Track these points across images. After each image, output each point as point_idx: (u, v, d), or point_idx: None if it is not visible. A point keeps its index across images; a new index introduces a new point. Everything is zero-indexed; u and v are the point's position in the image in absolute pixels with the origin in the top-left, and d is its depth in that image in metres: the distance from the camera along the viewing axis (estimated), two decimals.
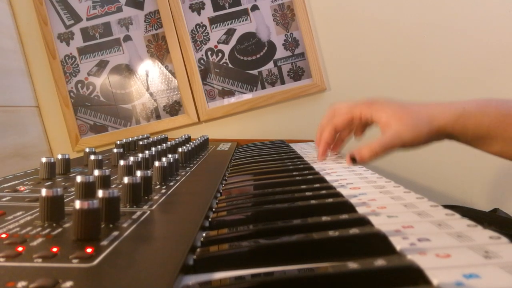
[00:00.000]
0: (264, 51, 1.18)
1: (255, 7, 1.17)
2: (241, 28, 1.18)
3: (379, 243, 0.26)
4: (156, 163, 0.49)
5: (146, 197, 0.41)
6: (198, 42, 1.18)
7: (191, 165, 0.64)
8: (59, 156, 0.56)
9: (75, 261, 0.24)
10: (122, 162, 0.49)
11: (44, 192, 0.31)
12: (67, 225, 0.31)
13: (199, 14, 1.18)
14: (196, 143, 0.77)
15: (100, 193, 0.31)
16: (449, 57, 1.15)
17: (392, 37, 1.16)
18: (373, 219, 0.31)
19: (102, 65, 1.19)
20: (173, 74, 1.19)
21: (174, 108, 1.20)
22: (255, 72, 1.18)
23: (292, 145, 0.94)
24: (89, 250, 0.25)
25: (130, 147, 0.84)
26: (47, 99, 1.19)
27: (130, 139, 0.86)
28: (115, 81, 1.20)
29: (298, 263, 0.26)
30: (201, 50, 1.18)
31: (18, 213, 0.35)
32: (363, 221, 0.31)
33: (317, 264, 0.25)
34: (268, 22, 1.17)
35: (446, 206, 0.34)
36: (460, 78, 1.15)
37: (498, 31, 1.14)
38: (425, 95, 1.15)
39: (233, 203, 0.41)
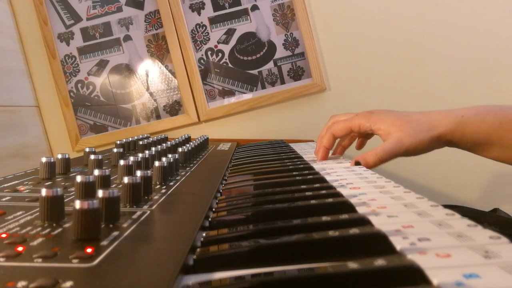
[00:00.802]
0: (264, 51, 1.18)
1: (255, 7, 1.17)
2: (241, 28, 1.18)
3: (379, 243, 0.26)
4: (156, 163, 0.49)
5: (146, 197, 0.41)
6: (198, 42, 1.18)
7: (191, 165, 0.64)
8: (59, 156, 0.56)
9: (75, 261, 0.24)
10: (122, 162, 0.49)
11: (44, 192, 0.31)
12: (67, 225, 0.31)
13: (199, 14, 1.18)
14: (196, 143, 0.77)
15: (100, 193, 0.31)
16: (449, 57, 1.15)
17: (392, 37, 1.16)
18: (373, 219, 0.31)
19: (102, 65, 1.19)
20: (173, 74, 1.19)
21: (174, 108, 1.20)
22: (255, 72, 1.18)
23: (292, 145, 0.94)
24: (89, 250, 0.25)
25: (130, 147, 0.84)
26: (47, 99, 1.19)
27: (130, 139, 0.86)
28: (115, 81, 1.20)
29: (298, 263, 0.26)
30: (201, 50, 1.18)
31: (18, 213, 0.35)
32: (363, 221, 0.31)
33: (317, 264, 0.25)
34: (268, 22, 1.17)
35: (446, 206, 0.33)
36: (460, 78, 1.15)
37: (498, 31, 1.14)
38: (425, 95, 1.15)
39: (233, 203, 0.41)
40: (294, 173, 0.54)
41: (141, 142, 0.78)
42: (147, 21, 1.18)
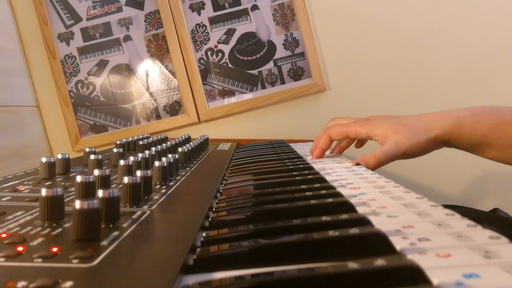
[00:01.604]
0: (264, 51, 1.18)
1: (255, 7, 1.17)
2: (241, 28, 1.18)
3: (379, 243, 0.26)
4: (156, 163, 0.49)
5: (146, 197, 0.41)
6: (198, 42, 1.18)
7: (191, 165, 0.64)
8: (59, 156, 0.56)
9: (75, 261, 0.24)
10: (122, 162, 0.49)
11: (44, 192, 0.31)
12: (67, 225, 0.31)
13: (199, 14, 1.18)
14: (196, 143, 0.77)
15: (100, 193, 0.31)
16: (449, 57, 1.15)
17: (392, 37, 1.16)
18: (373, 219, 0.31)
19: (102, 65, 1.19)
20: (173, 74, 1.19)
21: (174, 108, 1.20)
22: (255, 72, 1.18)
23: (292, 145, 0.94)
24: (89, 250, 0.25)
25: (130, 147, 0.84)
26: (47, 99, 1.19)
27: (130, 139, 0.86)
28: (115, 81, 1.20)
29: (298, 263, 0.26)
30: (201, 50, 1.18)
31: (18, 213, 0.35)
32: (363, 221, 0.31)
33: (317, 264, 0.25)
34: (268, 22, 1.17)
35: (446, 206, 0.34)
36: (460, 78, 1.15)
37: (498, 31, 1.14)
38: (425, 95, 1.15)
39: (233, 203, 0.41)
40: (294, 173, 0.54)
41: (141, 142, 0.78)
42: (147, 21, 1.18)
